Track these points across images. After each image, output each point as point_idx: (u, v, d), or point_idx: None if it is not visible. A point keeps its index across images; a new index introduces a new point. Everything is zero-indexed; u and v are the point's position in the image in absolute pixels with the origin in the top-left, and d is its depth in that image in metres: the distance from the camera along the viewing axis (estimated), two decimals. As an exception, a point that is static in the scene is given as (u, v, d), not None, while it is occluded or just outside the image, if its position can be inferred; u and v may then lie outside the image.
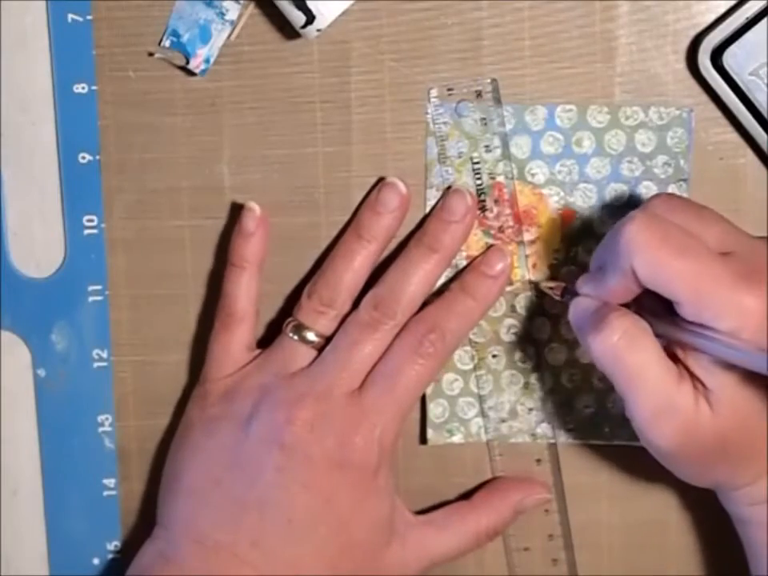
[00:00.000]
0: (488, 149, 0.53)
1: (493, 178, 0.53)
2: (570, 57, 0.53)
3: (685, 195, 0.53)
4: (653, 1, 0.52)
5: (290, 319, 0.53)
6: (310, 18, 0.50)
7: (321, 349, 0.52)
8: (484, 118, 0.53)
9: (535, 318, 0.54)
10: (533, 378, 0.55)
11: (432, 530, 0.54)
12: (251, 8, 0.53)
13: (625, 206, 0.53)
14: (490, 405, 0.55)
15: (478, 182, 0.53)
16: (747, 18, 0.51)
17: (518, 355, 0.55)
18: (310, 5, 0.50)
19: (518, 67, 0.53)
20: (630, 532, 0.57)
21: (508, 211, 0.54)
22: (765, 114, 0.51)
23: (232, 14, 0.53)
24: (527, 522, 0.56)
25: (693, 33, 0.52)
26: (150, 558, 0.52)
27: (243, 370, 0.53)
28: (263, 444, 0.50)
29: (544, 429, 0.55)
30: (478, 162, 0.53)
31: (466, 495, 0.56)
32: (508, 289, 0.54)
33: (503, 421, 0.55)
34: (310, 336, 0.52)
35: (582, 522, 0.57)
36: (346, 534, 0.51)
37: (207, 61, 0.53)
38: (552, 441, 0.55)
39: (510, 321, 0.54)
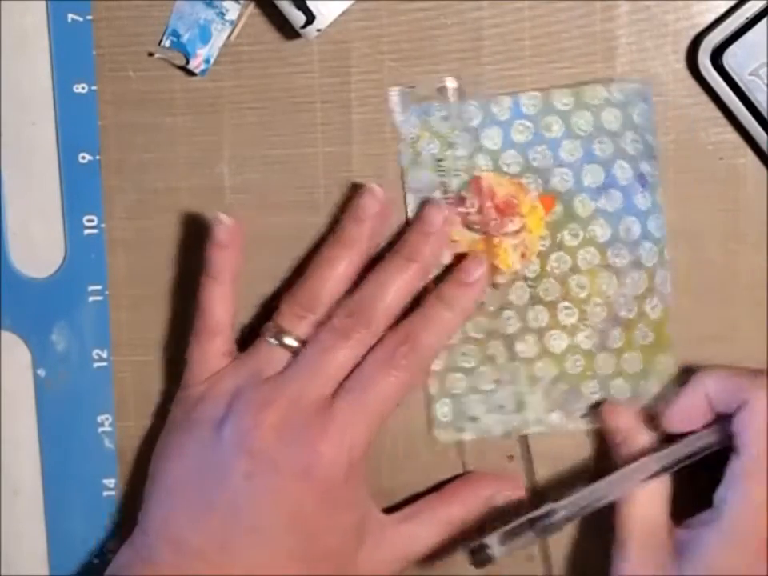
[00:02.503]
0: (459, 145, 0.53)
1: (469, 174, 0.53)
2: (569, 57, 0.53)
3: (655, 172, 0.53)
4: (653, 1, 0.52)
5: (269, 323, 0.52)
6: (310, 18, 0.50)
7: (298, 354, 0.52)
8: (451, 116, 0.53)
9: (532, 307, 0.54)
10: (537, 368, 0.55)
11: (404, 526, 0.53)
12: (251, 8, 0.53)
13: (603, 186, 0.53)
14: (497, 399, 0.55)
15: (456, 179, 0.53)
16: (747, 18, 0.51)
17: (519, 347, 0.55)
18: (310, 5, 0.50)
19: (518, 67, 0.53)
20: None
21: (489, 204, 0.54)
22: (765, 114, 0.51)
23: (232, 14, 0.53)
24: (501, 521, 0.56)
25: (693, 33, 0.53)
26: (127, 559, 0.52)
27: (220, 373, 0.53)
28: (232, 449, 0.50)
29: (555, 417, 0.55)
30: (452, 160, 0.53)
31: (437, 488, 0.56)
32: (501, 281, 0.54)
33: (513, 413, 0.55)
34: (289, 341, 0.52)
35: (582, 521, 0.56)
36: (315, 542, 0.50)
37: (207, 61, 0.53)
38: (568, 427, 0.55)
39: (507, 313, 0.54)
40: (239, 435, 0.50)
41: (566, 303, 0.54)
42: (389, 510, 0.54)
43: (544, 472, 0.56)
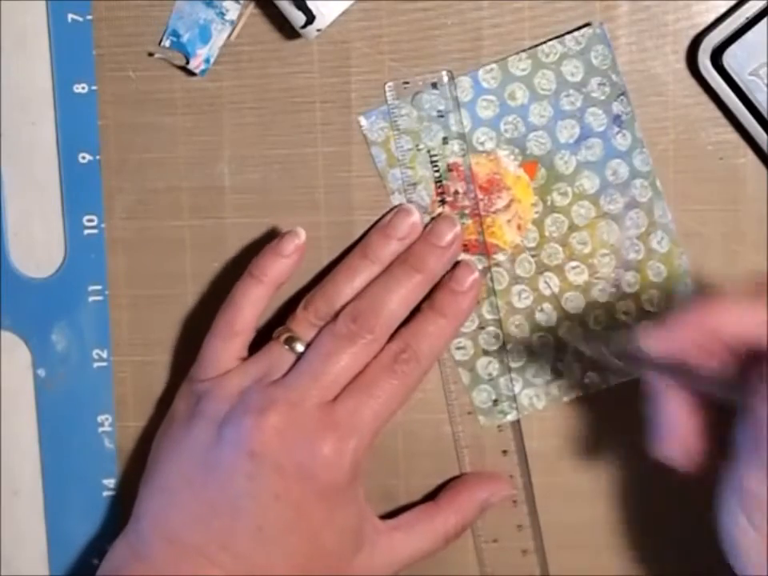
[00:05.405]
0: (431, 136, 0.53)
1: (447, 161, 0.54)
2: (569, 57, 0.53)
3: (627, 109, 0.53)
4: (653, 1, 0.52)
5: (282, 328, 0.53)
6: (310, 18, 0.50)
7: None
8: (412, 110, 0.53)
9: (541, 275, 0.54)
10: (561, 333, 0.55)
11: (400, 534, 0.53)
12: (251, 8, 0.53)
13: (580, 138, 0.53)
14: (531, 373, 0.55)
15: (435, 168, 0.54)
16: (747, 18, 0.51)
17: (538, 316, 0.55)
18: (310, 5, 0.50)
19: (518, 67, 0.53)
20: (628, 532, 0.57)
21: (473, 187, 0.54)
22: (765, 114, 0.51)
23: (232, 14, 0.53)
24: (495, 514, 0.56)
25: (693, 33, 0.53)
26: (121, 553, 0.52)
27: (228, 372, 0.53)
28: (233, 449, 0.50)
29: (592, 377, 0.55)
30: (427, 152, 0.54)
31: (432, 494, 0.56)
32: (502, 258, 0.54)
33: (550, 384, 0.55)
34: (299, 347, 0.52)
35: (582, 521, 0.57)
36: (315, 543, 0.51)
37: (207, 61, 0.53)
38: (604, 386, 0.55)
39: (518, 287, 0.55)
40: (241, 436, 0.50)
41: (573, 263, 0.54)
42: (388, 515, 0.54)
43: (537, 465, 0.56)
